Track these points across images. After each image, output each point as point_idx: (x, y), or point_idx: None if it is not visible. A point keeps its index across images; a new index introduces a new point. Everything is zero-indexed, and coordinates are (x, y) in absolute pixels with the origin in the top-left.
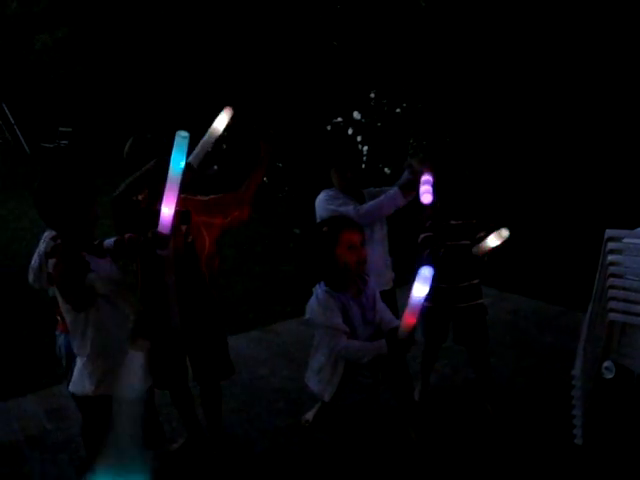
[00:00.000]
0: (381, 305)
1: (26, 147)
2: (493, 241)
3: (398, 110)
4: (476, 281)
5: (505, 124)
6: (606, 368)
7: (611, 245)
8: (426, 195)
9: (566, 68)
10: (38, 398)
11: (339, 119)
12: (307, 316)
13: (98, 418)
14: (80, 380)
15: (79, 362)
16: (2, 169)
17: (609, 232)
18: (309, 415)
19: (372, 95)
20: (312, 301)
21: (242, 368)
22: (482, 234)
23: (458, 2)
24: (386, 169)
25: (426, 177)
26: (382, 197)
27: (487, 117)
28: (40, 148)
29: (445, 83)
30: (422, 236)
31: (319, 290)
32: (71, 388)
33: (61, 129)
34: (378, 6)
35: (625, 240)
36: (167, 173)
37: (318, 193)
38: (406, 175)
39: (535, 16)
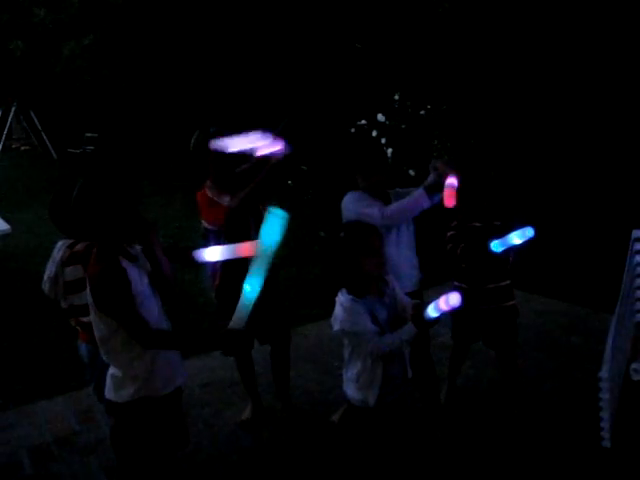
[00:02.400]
0: (401, 296)
1: (53, 153)
2: (515, 238)
3: (422, 112)
4: (505, 283)
5: (530, 125)
6: (634, 370)
7: (639, 246)
8: (450, 199)
9: (593, 68)
10: (67, 400)
11: (363, 121)
12: (336, 328)
13: (135, 422)
14: (119, 386)
15: (115, 367)
16: (29, 174)
17: (637, 233)
18: (336, 416)
19: (396, 97)
20: (338, 311)
21: (269, 370)
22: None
23: (481, 4)
24: (410, 171)
25: (451, 180)
26: (407, 199)
27: (512, 118)
28: (67, 154)
29: (469, 85)
30: (448, 234)
31: (342, 299)
32: (108, 395)
33: (87, 135)
34: (401, 8)
35: None
36: None
37: (343, 196)
38: (431, 177)
39: (561, 16)
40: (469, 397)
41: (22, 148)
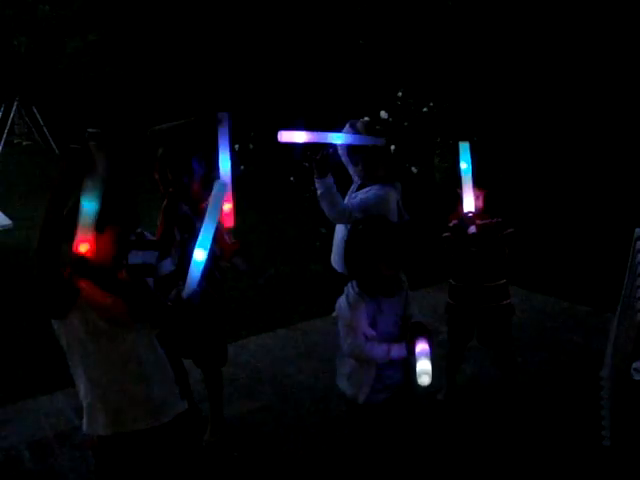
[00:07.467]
0: (412, 304)
1: (55, 148)
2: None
3: (425, 109)
4: (502, 281)
5: (533, 123)
6: (635, 369)
7: None
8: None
9: (596, 64)
10: (67, 395)
11: (366, 118)
12: (335, 313)
13: (112, 459)
14: (91, 419)
15: (87, 398)
16: (31, 170)
17: (639, 231)
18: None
19: (399, 94)
20: (342, 299)
21: (269, 366)
22: (510, 230)
23: (485, 2)
24: (413, 168)
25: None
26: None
27: (514, 116)
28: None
29: (472, 83)
30: (444, 235)
31: (350, 290)
32: (85, 429)
33: (90, 130)
34: (405, 5)
35: None
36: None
37: (345, 192)
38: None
39: (564, 15)
40: (469, 396)
41: (24, 143)
